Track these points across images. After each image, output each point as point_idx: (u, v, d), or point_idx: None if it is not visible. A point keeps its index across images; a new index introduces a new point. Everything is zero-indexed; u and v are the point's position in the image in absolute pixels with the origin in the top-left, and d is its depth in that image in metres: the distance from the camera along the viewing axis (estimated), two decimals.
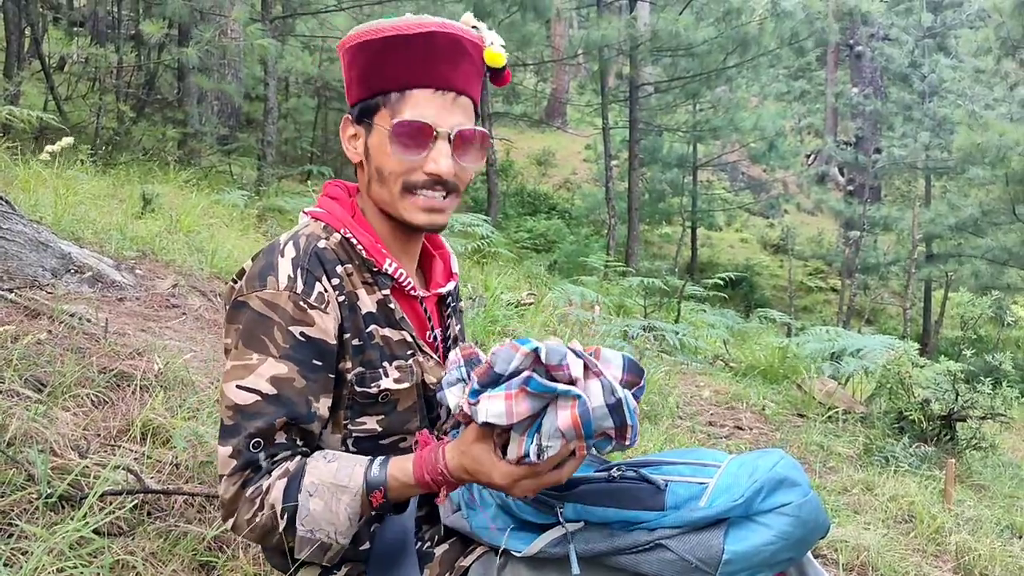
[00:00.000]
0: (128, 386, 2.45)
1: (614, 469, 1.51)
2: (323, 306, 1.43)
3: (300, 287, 1.42)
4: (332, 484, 1.38)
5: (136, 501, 1.88)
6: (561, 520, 1.44)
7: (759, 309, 11.56)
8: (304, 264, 1.44)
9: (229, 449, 1.38)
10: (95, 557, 1.61)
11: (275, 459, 1.40)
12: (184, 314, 3.64)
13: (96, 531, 1.66)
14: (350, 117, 1.55)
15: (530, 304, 6.71)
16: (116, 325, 3.03)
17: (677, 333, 6.24)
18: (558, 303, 7.03)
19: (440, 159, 1.46)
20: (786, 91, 25.33)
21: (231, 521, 1.39)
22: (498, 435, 1.31)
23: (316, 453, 1.44)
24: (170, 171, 9.19)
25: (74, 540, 1.60)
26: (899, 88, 19.32)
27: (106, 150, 9.66)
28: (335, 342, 1.44)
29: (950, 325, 16.77)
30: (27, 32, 10.75)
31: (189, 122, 11.82)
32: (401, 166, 1.48)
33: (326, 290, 1.44)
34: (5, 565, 1.51)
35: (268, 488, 1.37)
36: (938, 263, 16.30)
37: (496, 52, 1.54)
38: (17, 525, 1.62)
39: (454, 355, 1.38)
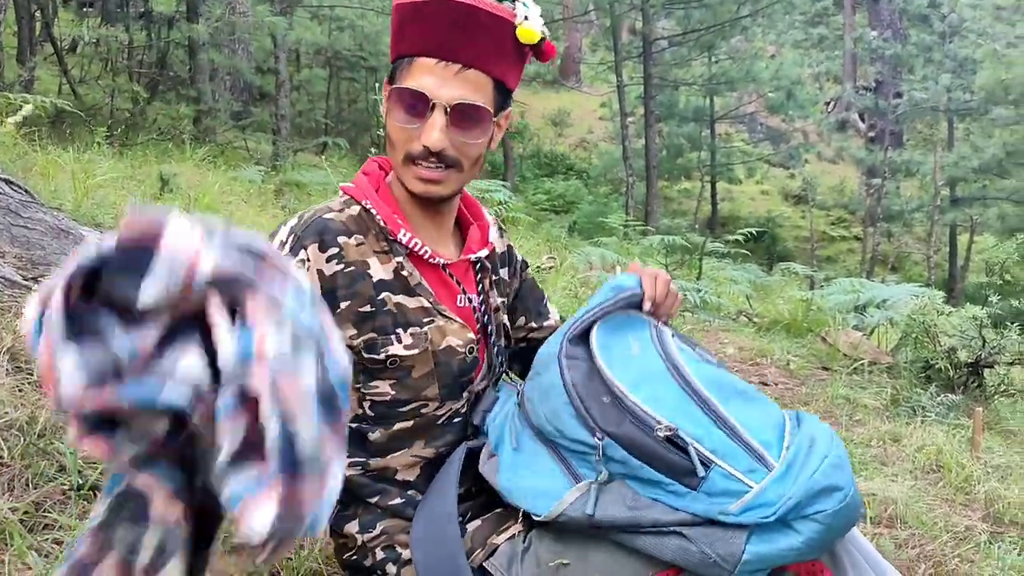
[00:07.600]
0: None
1: (666, 424, 1.38)
2: None
3: (285, 251, 1.44)
4: None
5: None
6: (598, 453, 1.41)
7: (781, 262, 11.47)
8: (298, 231, 1.46)
9: None
10: None
11: None
12: None
13: None
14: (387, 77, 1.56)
15: (551, 268, 6.70)
16: None
17: (699, 291, 6.21)
18: (579, 266, 7.02)
19: (433, 132, 1.44)
20: (803, 38, 24.93)
21: None
22: None
23: None
24: (186, 150, 9.19)
25: None
26: (918, 30, 18.94)
27: (122, 131, 9.70)
28: None
29: (976, 270, 16.58)
30: (37, 15, 10.76)
31: (202, 99, 11.79)
32: (401, 134, 1.48)
33: (308, 259, 1.44)
34: (42, 556, 1.54)
35: None
36: (962, 207, 16.09)
37: (528, 28, 1.52)
38: (50, 515, 1.66)
39: None
